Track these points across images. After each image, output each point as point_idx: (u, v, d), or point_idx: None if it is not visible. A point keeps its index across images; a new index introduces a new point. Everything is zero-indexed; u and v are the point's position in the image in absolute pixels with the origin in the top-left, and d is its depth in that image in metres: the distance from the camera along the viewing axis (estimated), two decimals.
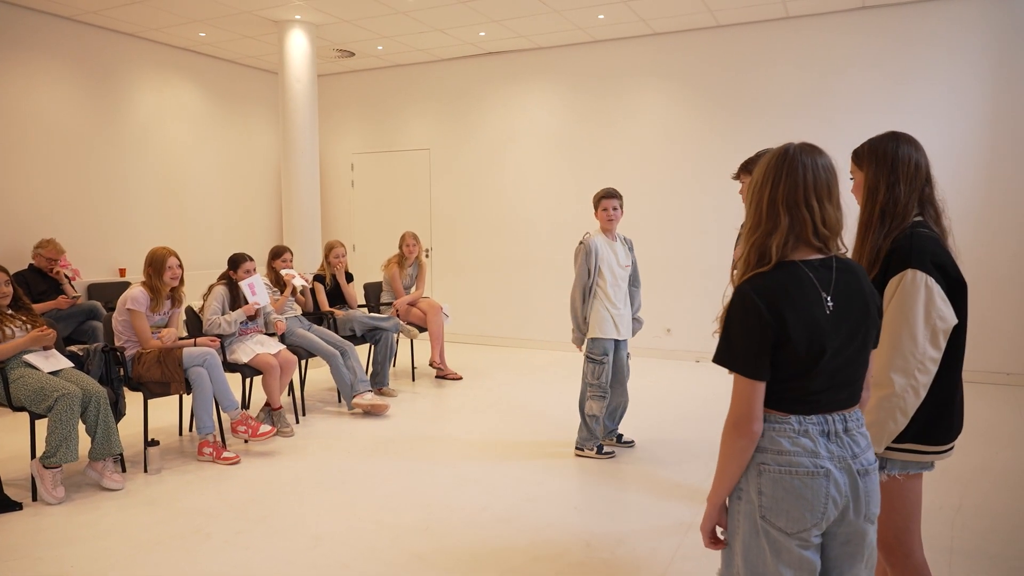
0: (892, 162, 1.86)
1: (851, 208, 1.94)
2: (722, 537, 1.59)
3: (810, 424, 1.45)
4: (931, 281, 1.73)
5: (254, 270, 4.58)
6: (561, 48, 7.27)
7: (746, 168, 3.02)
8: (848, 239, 1.62)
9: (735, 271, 1.54)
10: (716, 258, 6.60)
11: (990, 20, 5.65)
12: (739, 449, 1.46)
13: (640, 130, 6.99)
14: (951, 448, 1.87)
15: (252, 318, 4.57)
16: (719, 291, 7.09)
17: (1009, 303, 5.72)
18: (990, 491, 3.49)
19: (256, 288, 4.55)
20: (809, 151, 1.49)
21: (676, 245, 6.85)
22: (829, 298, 1.45)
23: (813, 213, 1.45)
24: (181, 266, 4.10)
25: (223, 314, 4.43)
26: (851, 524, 1.47)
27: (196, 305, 4.62)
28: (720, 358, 1.50)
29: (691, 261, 6.79)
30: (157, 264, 4.00)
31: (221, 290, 4.48)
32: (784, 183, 1.46)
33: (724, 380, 5.80)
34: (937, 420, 1.83)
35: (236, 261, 4.55)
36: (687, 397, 5.39)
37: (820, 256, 1.48)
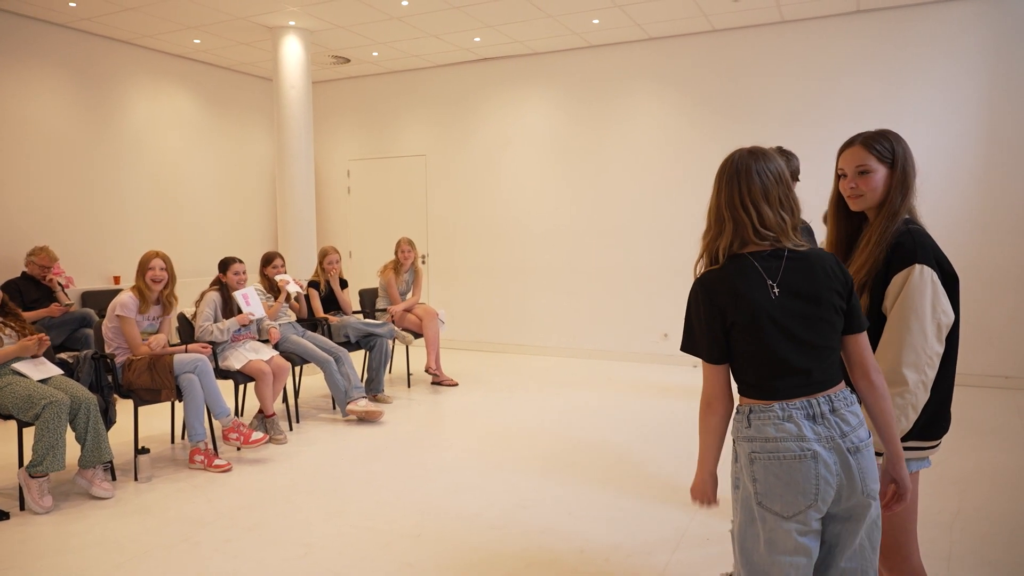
0: (914, 167, 1.91)
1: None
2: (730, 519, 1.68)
3: (794, 409, 1.52)
4: (935, 277, 1.75)
5: (243, 272, 4.55)
6: (556, 53, 7.26)
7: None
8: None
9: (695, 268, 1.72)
10: None
11: (986, 23, 5.65)
12: (713, 425, 1.61)
13: (636, 135, 6.97)
14: (940, 442, 1.90)
15: (245, 325, 4.54)
16: None
17: (1005, 306, 5.69)
18: (989, 495, 3.46)
19: (250, 299, 4.52)
20: (747, 158, 1.61)
21: (672, 250, 6.83)
22: (774, 285, 1.55)
23: (751, 216, 1.58)
24: (166, 269, 4.05)
25: (215, 321, 4.40)
26: (849, 501, 1.52)
27: (189, 312, 4.58)
28: (684, 346, 1.68)
29: (687, 266, 6.65)
30: (141, 265, 4.01)
31: (213, 296, 4.45)
32: (725, 191, 1.61)
33: None
34: (938, 415, 1.85)
35: (225, 264, 4.53)
36: (684, 402, 5.35)
37: (770, 248, 1.59)
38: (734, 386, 1.64)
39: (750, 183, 1.58)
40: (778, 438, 1.50)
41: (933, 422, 1.83)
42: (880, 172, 1.89)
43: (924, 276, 1.73)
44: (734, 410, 1.63)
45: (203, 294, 4.50)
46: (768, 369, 1.54)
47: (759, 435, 1.53)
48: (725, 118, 6.56)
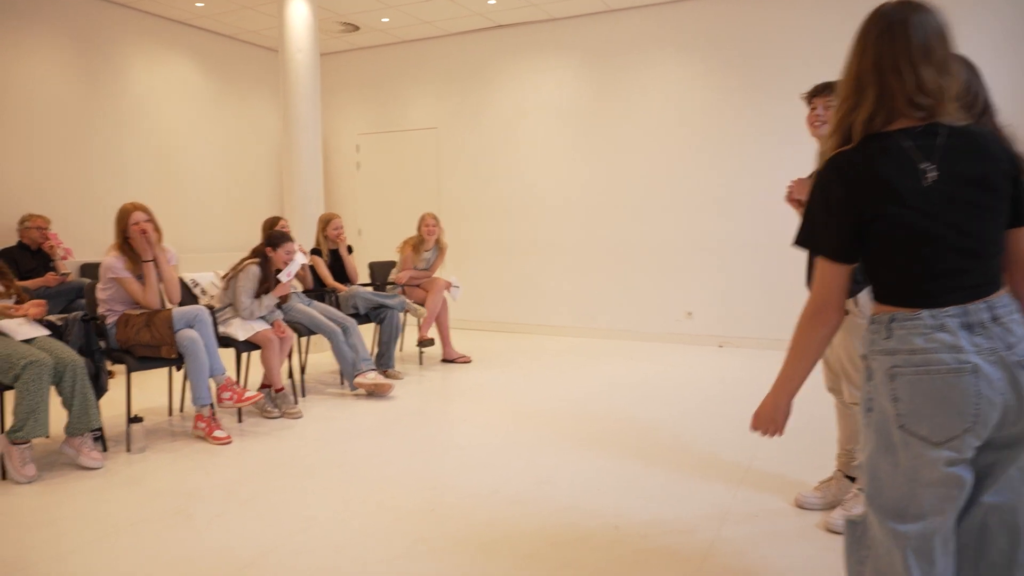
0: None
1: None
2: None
3: (946, 317, 1.24)
4: None
5: (293, 251, 4.29)
6: (574, 19, 6.93)
7: (818, 92, 2.56)
8: None
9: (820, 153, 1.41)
10: (738, 239, 6.25)
11: None
12: (818, 339, 1.36)
13: (657, 105, 6.63)
14: None
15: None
16: (741, 273, 6.75)
17: None
18: None
19: (292, 269, 4.30)
20: (902, 8, 1.31)
21: (696, 226, 6.50)
22: (932, 167, 1.25)
23: (905, 80, 1.27)
24: (151, 220, 3.75)
25: (255, 297, 4.14)
26: (1015, 426, 1.25)
27: (189, 278, 4.32)
28: (800, 239, 1.39)
29: (712, 242, 6.43)
30: (121, 218, 3.69)
31: (255, 271, 4.18)
32: (872, 50, 1.31)
33: (748, 365, 5.34)
34: None
35: (277, 241, 4.24)
36: (711, 381, 5.04)
37: (922, 124, 1.29)
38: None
39: (907, 39, 1.27)
40: (928, 349, 1.23)
41: None
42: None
43: None
44: (869, 320, 1.36)
45: (245, 265, 4.19)
46: (917, 269, 1.27)
47: (903, 346, 1.26)
48: (751, 87, 6.20)
